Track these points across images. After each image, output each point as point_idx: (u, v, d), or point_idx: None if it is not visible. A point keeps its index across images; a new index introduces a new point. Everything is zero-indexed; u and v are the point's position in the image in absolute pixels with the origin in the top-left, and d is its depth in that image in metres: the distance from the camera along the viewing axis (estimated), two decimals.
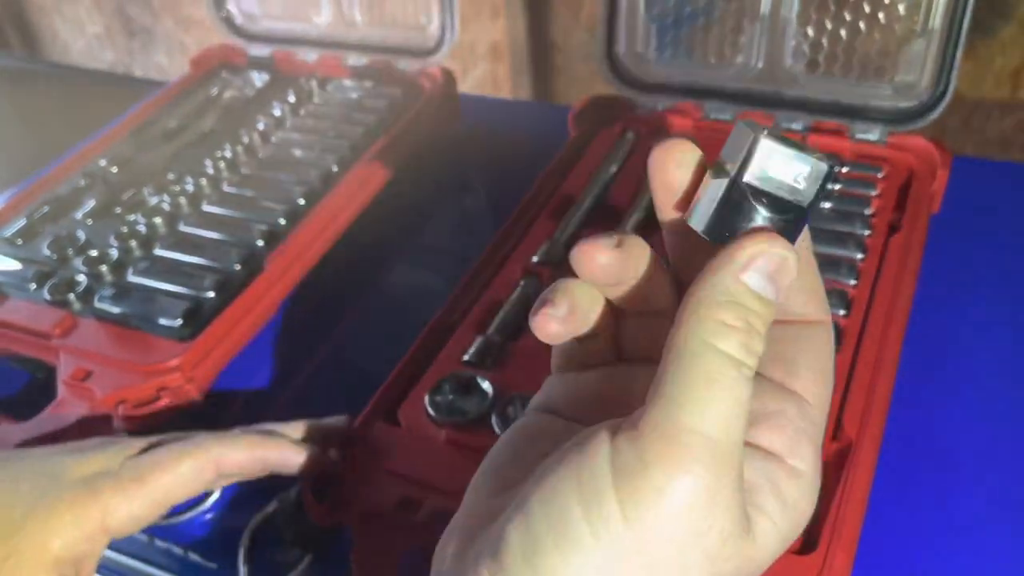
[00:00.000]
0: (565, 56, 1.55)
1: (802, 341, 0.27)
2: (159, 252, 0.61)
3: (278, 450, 0.46)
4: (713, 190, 0.25)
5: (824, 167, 0.24)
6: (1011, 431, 0.49)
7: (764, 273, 0.24)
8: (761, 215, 0.25)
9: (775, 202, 0.24)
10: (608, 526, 0.23)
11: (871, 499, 0.43)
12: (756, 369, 0.24)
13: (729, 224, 0.25)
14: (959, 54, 0.59)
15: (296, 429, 0.48)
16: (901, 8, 0.60)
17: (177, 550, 0.56)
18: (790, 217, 0.25)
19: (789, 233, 0.25)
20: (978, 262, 0.59)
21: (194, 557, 0.56)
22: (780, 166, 0.24)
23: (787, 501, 0.25)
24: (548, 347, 0.41)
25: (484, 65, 1.63)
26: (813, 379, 0.27)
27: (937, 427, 0.50)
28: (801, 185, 0.24)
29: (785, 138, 0.24)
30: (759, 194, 0.24)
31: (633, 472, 0.23)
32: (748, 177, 0.24)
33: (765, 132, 0.24)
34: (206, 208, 0.65)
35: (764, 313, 0.24)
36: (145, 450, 0.44)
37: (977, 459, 0.48)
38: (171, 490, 0.43)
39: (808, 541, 0.40)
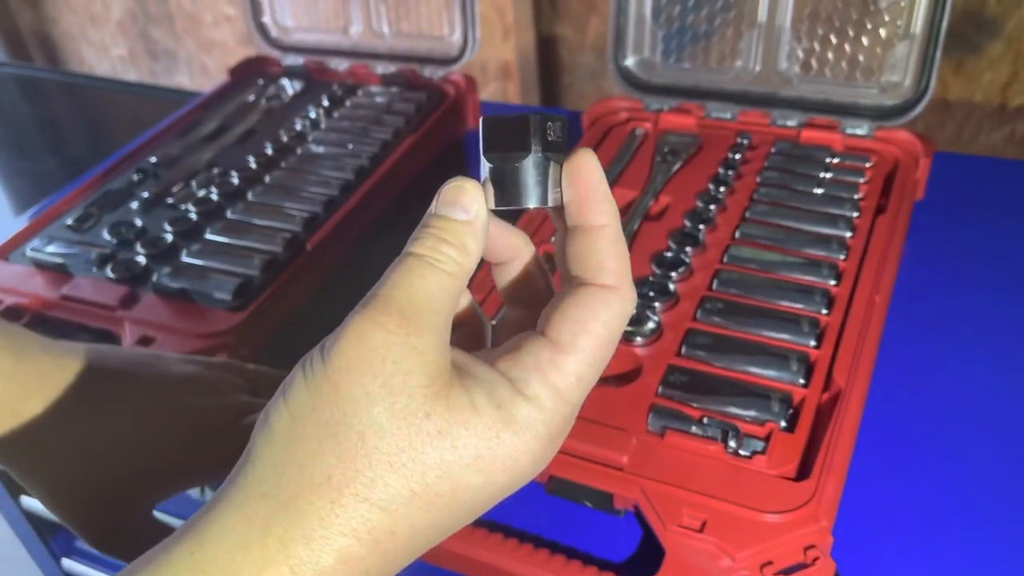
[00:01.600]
0: (572, 75, 1.62)
1: (589, 301, 0.30)
2: (210, 237, 0.67)
3: None
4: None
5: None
6: (981, 379, 0.54)
7: (444, 200, 0.31)
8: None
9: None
10: (315, 371, 0.28)
11: (859, 437, 0.49)
12: (466, 273, 0.30)
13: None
14: (938, 56, 0.65)
15: None
16: (885, 15, 0.66)
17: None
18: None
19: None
20: (958, 241, 0.65)
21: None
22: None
23: (516, 418, 0.28)
24: None
25: (495, 84, 1.70)
26: (582, 333, 0.29)
27: (918, 378, 0.55)
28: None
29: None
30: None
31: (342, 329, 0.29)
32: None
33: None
34: (252, 199, 0.71)
35: (445, 225, 0.31)
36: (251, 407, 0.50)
37: (953, 405, 0.53)
38: None
39: (803, 471, 0.46)
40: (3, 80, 1.72)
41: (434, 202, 0.32)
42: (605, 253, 0.30)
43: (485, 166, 0.31)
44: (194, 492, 0.61)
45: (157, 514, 0.48)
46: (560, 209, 0.31)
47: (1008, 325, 0.58)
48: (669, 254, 0.60)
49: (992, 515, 0.47)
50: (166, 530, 0.48)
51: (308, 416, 0.28)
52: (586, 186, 0.30)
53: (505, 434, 0.28)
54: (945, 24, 0.63)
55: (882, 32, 0.67)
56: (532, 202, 0.30)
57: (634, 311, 0.32)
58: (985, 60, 1.28)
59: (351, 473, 0.27)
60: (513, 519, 0.50)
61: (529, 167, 0.30)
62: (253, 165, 0.74)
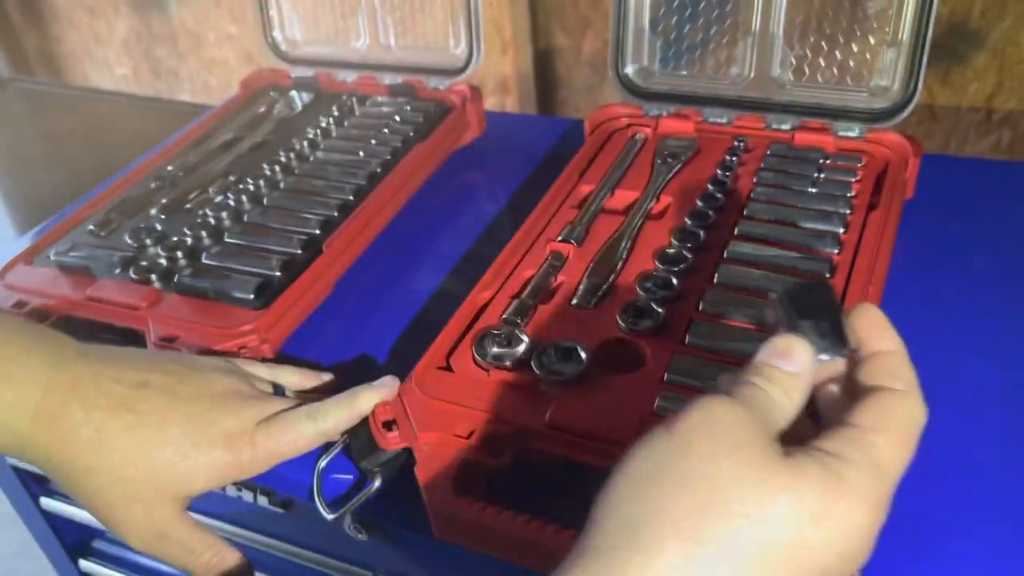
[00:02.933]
0: (569, 88, 1.66)
1: (889, 397, 0.36)
2: (229, 239, 0.70)
3: (369, 402, 0.54)
4: None
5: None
6: (974, 369, 0.57)
7: (775, 351, 0.37)
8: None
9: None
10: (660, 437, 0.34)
11: None
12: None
13: None
14: (924, 61, 0.68)
15: (358, 392, 0.56)
16: (874, 23, 0.70)
17: (247, 496, 0.64)
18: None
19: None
20: (947, 237, 0.68)
21: (262, 501, 0.64)
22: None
23: (847, 478, 0.32)
24: (568, 308, 0.50)
25: (494, 98, 1.73)
26: (887, 418, 0.35)
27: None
28: None
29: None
30: None
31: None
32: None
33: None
34: (268, 203, 0.74)
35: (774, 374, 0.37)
36: (272, 414, 0.53)
37: (943, 394, 0.56)
38: (286, 455, 0.52)
39: None
40: (8, 95, 1.76)
41: (763, 351, 0.37)
42: (899, 367, 0.37)
43: (788, 328, 0.38)
44: (231, 490, 0.64)
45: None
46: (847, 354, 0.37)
47: (996, 319, 0.61)
48: (671, 251, 0.63)
49: (981, 509, 0.50)
50: (202, 528, 0.51)
51: (660, 470, 0.32)
52: (875, 323, 0.38)
53: (840, 493, 0.32)
54: (930, 31, 0.67)
55: (871, 39, 0.70)
56: (838, 353, 0.37)
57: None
58: (971, 71, 1.32)
59: (705, 518, 0.31)
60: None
61: (835, 324, 0.38)
62: (268, 172, 0.77)
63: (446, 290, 0.70)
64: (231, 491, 0.65)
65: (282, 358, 0.64)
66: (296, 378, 0.58)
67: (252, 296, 0.63)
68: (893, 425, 0.34)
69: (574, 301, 0.60)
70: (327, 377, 0.59)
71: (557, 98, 1.70)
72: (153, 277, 0.66)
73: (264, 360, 0.61)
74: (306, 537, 0.66)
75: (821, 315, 0.38)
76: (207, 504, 0.66)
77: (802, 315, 0.38)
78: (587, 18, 1.55)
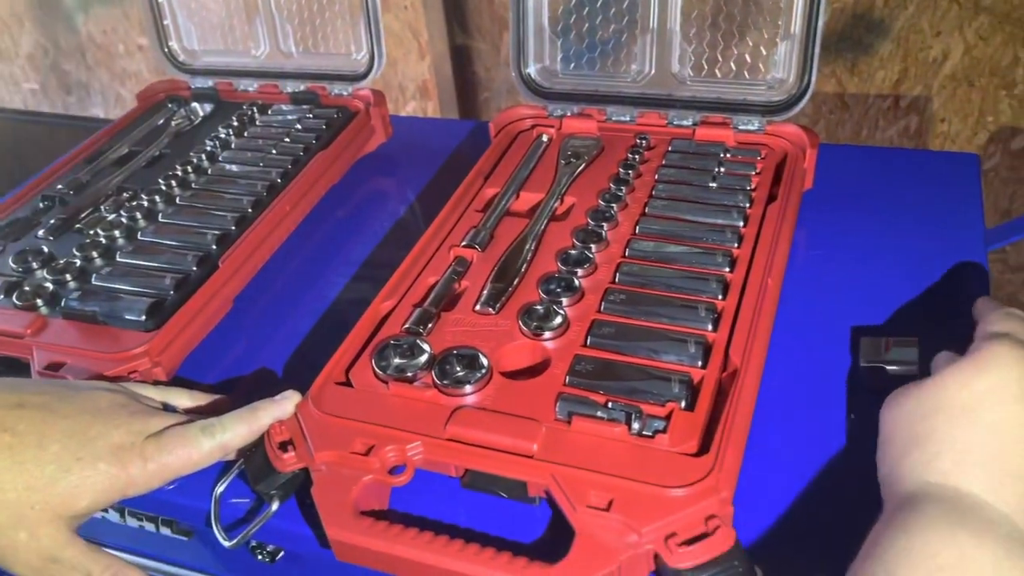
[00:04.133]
0: (489, 91, 1.65)
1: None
2: (121, 259, 0.67)
3: (269, 416, 0.52)
4: None
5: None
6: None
7: None
8: None
9: None
10: None
11: (757, 412, 0.51)
12: None
13: None
14: (817, 52, 0.68)
15: (257, 406, 0.54)
16: (766, 16, 0.70)
17: (149, 526, 0.62)
18: None
19: None
20: (845, 225, 0.69)
21: (164, 531, 0.61)
22: None
23: None
24: (471, 315, 0.49)
25: (414, 103, 1.72)
26: None
27: (811, 354, 0.58)
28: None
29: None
30: None
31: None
32: None
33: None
34: (162, 220, 0.71)
35: None
36: (163, 428, 0.50)
37: (841, 378, 0.56)
38: (182, 470, 0.50)
39: (704, 446, 0.48)
40: None
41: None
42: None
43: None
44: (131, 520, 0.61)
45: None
46: None
47: (889, 303, 0.62)
48: (574, 251, 0.62)
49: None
50: (97, 549, 0.49)
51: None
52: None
53: None
54: (820, 23, 0.67)
55: (764, 33, 0.70)
56: None
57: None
58: (877, 59, 1.35)
59: None
60: (434, 516, 0.51)
61: None
62: (164, 186, 0.74)
63: (351, 300, 0.68)
64: (132, 522, 0.62)
65: (178, 381, 0.61)
66: (187, 399, 0.56)
67: (143, 318, 0.61)
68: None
69: (477, 307, 0.59)
70: (221, 398, 0.57)
71: (478, 101, 1.69)
72: (39, 302, 0.63)
73: (156, 383, 0.59)
74: (214, 565, 0.64)
75: None
76: (109, 536, 0.63)
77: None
78: (503, 19, 1.54)
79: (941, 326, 0.59)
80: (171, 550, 0.63)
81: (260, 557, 0.60)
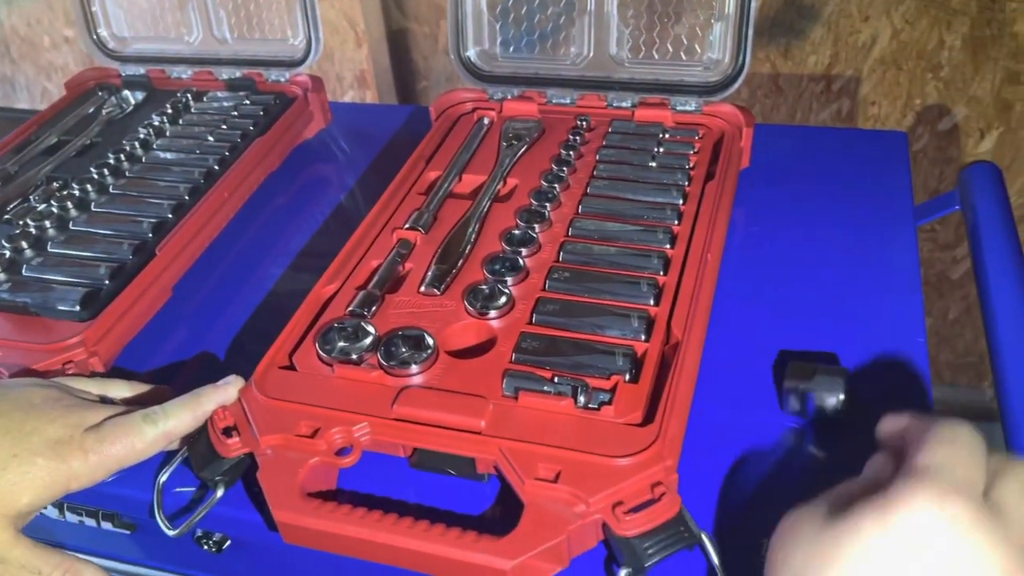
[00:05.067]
0: (428, 79, 1.64)
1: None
2: (52, 249, 0.65)
3: (213, 402, 0.51)
4: None
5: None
6: (801, 326, 0.59)
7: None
8: None
9: None
10: None
11: (700, 382, 0.52)
12: None
13: None
14: (750, 33, 0.70)
15: (200, 392, 0.53)
16: None
17: (90, 521, 0.60)
18: None
19: None
20: (781, 202, 0.70)
21: (106, 525, 0.60)
22: None
23: None
24: (416, 296, 0.49)
25: (352, 92, 1.70)
26: None
27: (750, 324, 0.59)
28: None
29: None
30: None
31: None
32: None
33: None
34: (96, 209, 0.69)
35: None
36: (103, 420, 0.49)
37: (778, 347, 0.58)
38: (126, 460, 0.49)
39: (648, 417, 0.49)
40: None
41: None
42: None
43: None
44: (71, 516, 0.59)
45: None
46: None
47: (822, 275, 0.63)
48: (517, 231, 0.62)
49: (818, 443, 0.52)
50: (45, 546, 0.47)
51: None
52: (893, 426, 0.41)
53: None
54: (753, 4, 0.68)
55: (699, 14, 0.71)
56: None
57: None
58: (809, 44, 1.38)
59: None
60: (384, 498, 0.51)
61: None
62: (96, 175, 0.73)
63: (293, 286, 0.67)
64: (71, 517, 0.61)
65: (116, 372, 0.60)
66: (127, 390, 0.55)
67: (78, 308, 0.59)
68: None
69: (422, 288, 0.59)
70: (161, 388, 0.56)
71: (417, 89, 1.68)
72: None
73: (93, 375, 0.57)
74: (160, 558, 0.62)
75: None
76: (48, 535, 0.61)
77: None
78: (440, 6, 1.53)
79: (872, 300, 0.61)
80: (114, 545, 0.62)
81: (206, 547, 0.59)
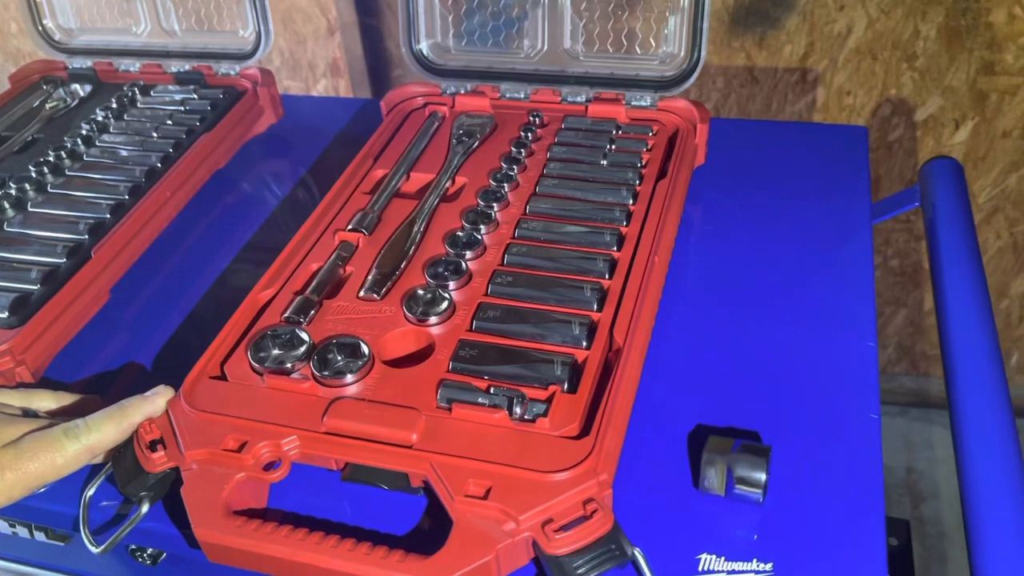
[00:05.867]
0: (402, 68, 1.62)
1: None
2: None
3: (140, 413, 0.49)
4: None
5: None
6: (751, 329, 0.58)
7: None
8: None
9: None
10: None
11: (642, 392, 0.51)
12: None
13: None
14: (706, 27, 0.68)
15: (126, 404, 0.51)
16: None
17: (22, 531, 0.59)
18: None
19: None
20: (739, 199, 0.69)
21: (39, 536, 0.58)
22: None
23: None
24: (355, 302, 0.47)
25: (325, 81, 1.67)
26: None
27: (698, 330, 0.58)
28: None
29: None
30: None
31: None
32: None
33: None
34: (32, 209, 0.67)
35: None
36: (22, 435, 0.47)
37: (727, 352, 0.56)
38: (46, 477, 0.47)
39: (586, 429, 0.47)
40: None
41: None
42: None
43: None
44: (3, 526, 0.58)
45: None
46: None
47: (773, 275, 0.62)
48: (462, 233, 0.61)
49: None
50: None
51: None
52: None
53: None
54: None
55: (654, 6, 0.69)
56: None
57: None
58: (784, 34, 1.36)
59: None
60: (315, 512, 0.49)
61: None
62: (34, 173, 0.70)
63: (238, 289, 0.65)
64: (4, 528, 0.59)
65: (47, 381, 0.58)
66: (51, 401, 0.53)
67: (6, 314, 0.57)
68: None
69: (361, 293, 0.57)
70: (90, 398, 0.54)
71: (391, 78, 1.65)
72: None
73: (20, 385, 0.56)
74: (97, 568, 0.61)
75: None
76: None
77: None
78: None
79: (823, 301, 0.59)
80: (49, 556, 0.61)
81: (141, 560, 0.58)
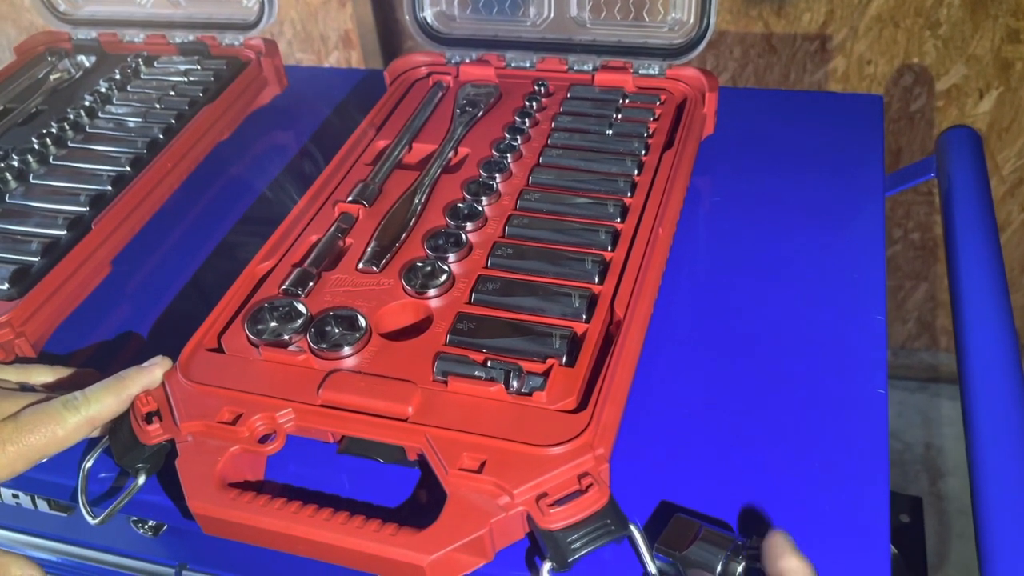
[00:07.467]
0: (414, 39, 1.60)
1: None
2: None
3: (138, 385, 0.49)
4: None
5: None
6: (753, 307, 0.57)
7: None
8: None
9: None
10: None
11: (642, 366, 0.50)
12: None
13: None
14: None
15: (124, 375, 0.51)
16: None
17: (26, 501, 0.59)
18: None
19: None
20: (749, 171, 0.67)
21: (42, 506, 0.59)
22: None
23: None
24: (354, 274, 0.47)
25: (337, 53, 1.66)
26: None
27: (703, 303, 0.57)
28: None
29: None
30: None
31: None
32: None
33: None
34: (34, 181, 0.67)
35: None
36: (21, 409, 0.47)
37: (732, 330, 0.55)
38: (47, 449, 0.47)
39: (583, 403, 0.46)
40: None
41: None
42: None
43: None
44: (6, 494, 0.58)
45: None
46: None
47: (782, 248, 0.60)
48: (462, 205, 0.60)
49: (764, 437, 0.49)
50: None
51: None
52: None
53: None
54: None
55: None
56: None
57: None
58: (803, 1, 1.33)
59: None
60: (311, 484, 0.49)
61: None
62: (37, 145, 0.70)
63: (239, 261, 0.65)
64: (7, 497, 0.60)
65: (47, 356, 0.58)
66: (50, 376, 0.53)
67: (6, 285, 0.57)
68: None
69: (360, 265, 0.56)
70: (87, 371, 0.54)
71: (403, 49, 1.64)
72: None
73: (18, 359, 0.56)
74: (99, 538, 0.61)
75: None
76: None
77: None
78: None
79: (832, 275, 0.58)
80: (52, 526, 0.61)
81: (142, 531, 0.58)
